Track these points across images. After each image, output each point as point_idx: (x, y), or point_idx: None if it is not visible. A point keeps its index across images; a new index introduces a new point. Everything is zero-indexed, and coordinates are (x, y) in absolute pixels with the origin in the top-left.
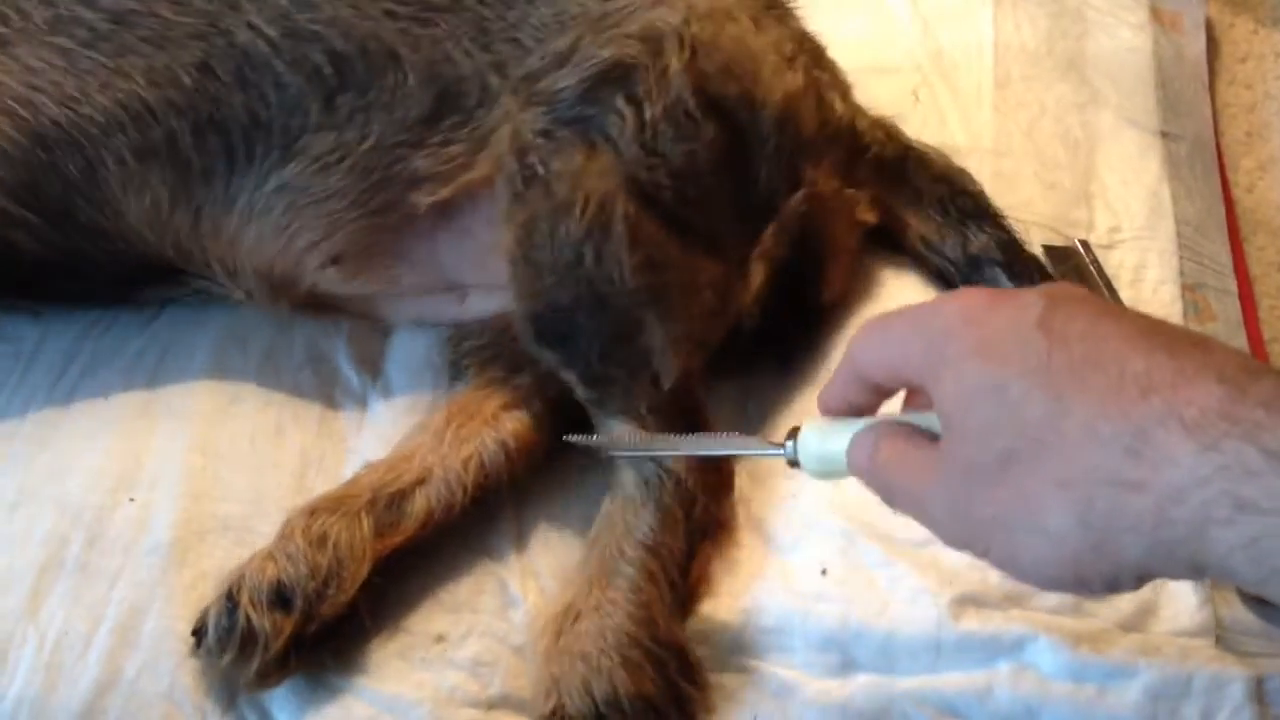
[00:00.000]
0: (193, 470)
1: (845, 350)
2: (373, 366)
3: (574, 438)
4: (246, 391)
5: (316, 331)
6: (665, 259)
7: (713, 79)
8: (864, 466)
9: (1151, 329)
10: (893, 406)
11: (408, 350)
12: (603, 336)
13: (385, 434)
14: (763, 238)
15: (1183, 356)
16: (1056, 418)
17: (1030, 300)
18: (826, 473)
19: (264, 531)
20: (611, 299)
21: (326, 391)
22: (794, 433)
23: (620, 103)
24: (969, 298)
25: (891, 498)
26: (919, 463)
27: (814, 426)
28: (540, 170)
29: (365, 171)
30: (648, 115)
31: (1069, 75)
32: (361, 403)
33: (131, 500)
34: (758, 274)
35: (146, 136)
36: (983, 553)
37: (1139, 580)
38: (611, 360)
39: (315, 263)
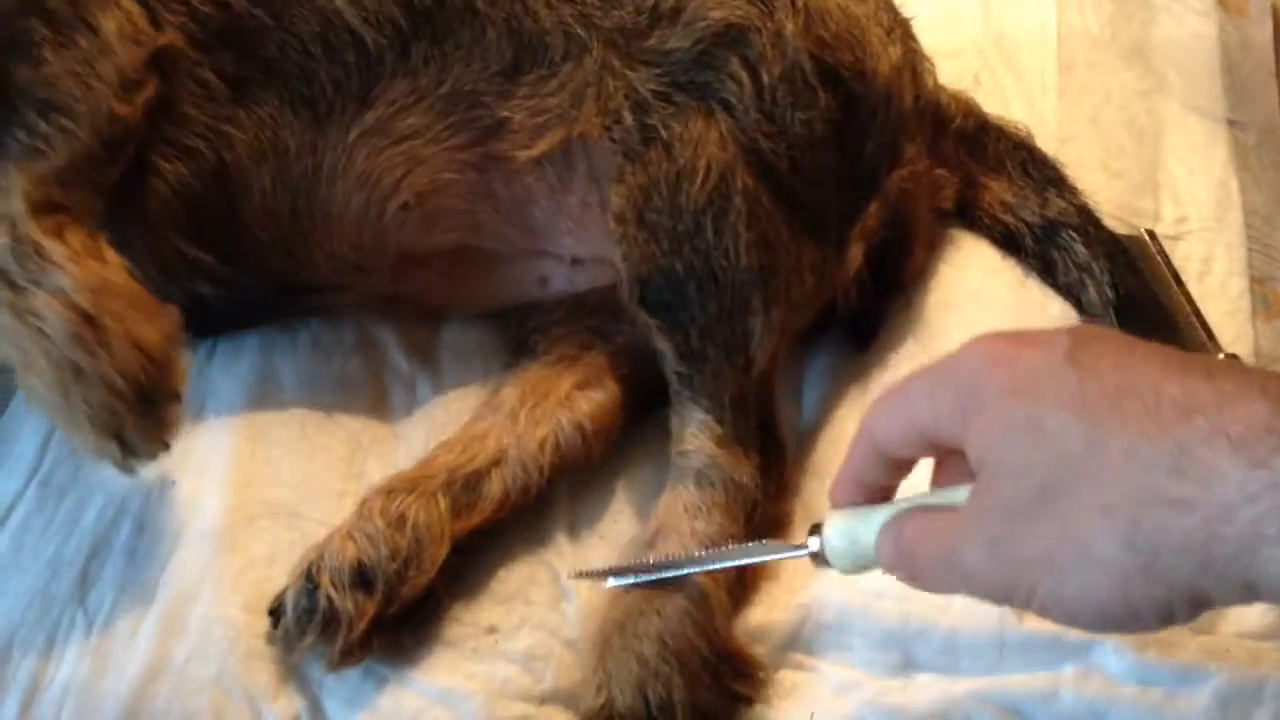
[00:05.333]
0: (241, 455)
1: (857, 430)
2: (423, 352)
3: (580, 574)
4: (295, 377)
5: (366, 317)
6: (776, 238)
7: (829, 45)
8: (892, 557)
9: (1183, 358)
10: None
11: (459, 336)
12: (709, 312)
13: (436, 420)
14: (864, 216)
15: (1221, 379)
16: (1096, 446)
17: (1056, 338)
18: (860, 569)
19: (313, 517)
20: (724, 274)
21: (376, 377)
22: (816, 529)
23: (736, 66)
24: (992, 342)
25: (918, 573)
26: (946, 526)
27: (837, 524)
28: (662, 132)
29: (443, 114)
30: (765, 80)
31: (1134, 62)
32: (411, 388)
33: (180, 485)
34: (856, 254)
35: (258, 134)
36: (1026, 597)
37: (1192, 606)
38: (712, 338)
39: (397, 205)
